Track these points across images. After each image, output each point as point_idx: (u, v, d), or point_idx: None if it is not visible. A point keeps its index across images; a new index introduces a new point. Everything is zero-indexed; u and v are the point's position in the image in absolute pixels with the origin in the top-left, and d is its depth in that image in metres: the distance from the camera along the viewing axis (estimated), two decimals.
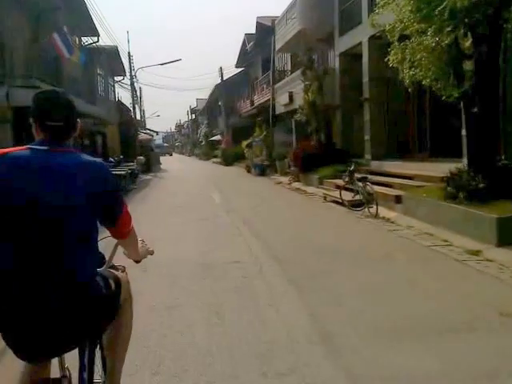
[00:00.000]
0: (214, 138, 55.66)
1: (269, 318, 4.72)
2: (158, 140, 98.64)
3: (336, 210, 12.63)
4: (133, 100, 38.09)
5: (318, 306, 5.04)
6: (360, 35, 17.30)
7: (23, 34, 17.04)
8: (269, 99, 29.89)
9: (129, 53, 37.22)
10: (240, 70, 45.26)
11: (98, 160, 2.31)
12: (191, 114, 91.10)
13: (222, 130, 48.91)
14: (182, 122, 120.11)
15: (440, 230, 8.58)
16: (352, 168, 12.36)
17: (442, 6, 7.81)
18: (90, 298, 2.19)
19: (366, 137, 17.63)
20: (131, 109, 38.40)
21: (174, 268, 6.90)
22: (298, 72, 22.33)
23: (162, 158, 51.97)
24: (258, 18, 33.72)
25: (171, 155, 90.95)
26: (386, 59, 9.74)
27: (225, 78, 46.50)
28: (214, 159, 48.29)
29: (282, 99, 26.32)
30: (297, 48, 23.99)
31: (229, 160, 39.36)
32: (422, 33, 8.69)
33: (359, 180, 11.77)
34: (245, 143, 33.69)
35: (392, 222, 10.13)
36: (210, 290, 5.79)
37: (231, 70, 46.83)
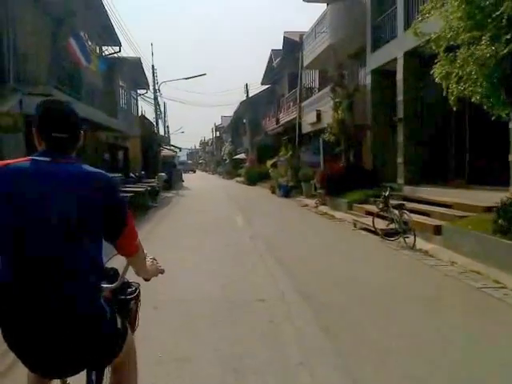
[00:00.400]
0: (238, 157, 55.34)
1: None
2: (183, 157, 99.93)
3: (368, 238, 11.62)
4: (156, 114, 37.50)
5: (360, 368, 4.07)
6: (394, 50, 16.31)
7: (39, 40, 16.40)
8: (295, 117, 29.14)
9: (152, 66, 36.56)
10: (266, 86, 44.70)
11: (102, 171, 2.22)
12: (216, 131, 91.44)
13: (247, 148, 48.45)
14: (206, 139, 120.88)
15: (489, 269, 7.56)
16: (387, 193, 11.35)
17: (498, 12, 6.90)
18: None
19: (399, 159, 16.49)
20: (155, 124, 37.90)
21: (188, 305, 6.10)
22: (327, 89, 21.57)
23: (184, 175, 52.04)
24: (285, 32, 32.94)
25: (194, 172, 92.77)
26: (431, 72, 8.67)
27: (250, 95, 46.08)
28: (238, 178, 47.63)
29: (309, 118, 25.59)
30: (326, 64, 23.12)
31: (252, 179, 38.51)
32: (472, 43, 7.70)
33: (395, 207, 10.79)
34: (270, 162, 33.01)
35: (431, 256, 9.16)
36: (228, 337, 4.87)
37: (257, 87, 46.45)
